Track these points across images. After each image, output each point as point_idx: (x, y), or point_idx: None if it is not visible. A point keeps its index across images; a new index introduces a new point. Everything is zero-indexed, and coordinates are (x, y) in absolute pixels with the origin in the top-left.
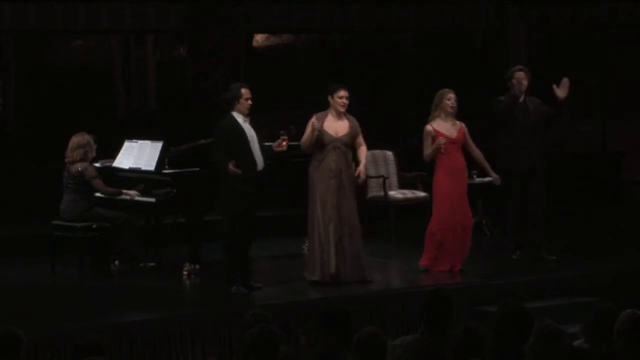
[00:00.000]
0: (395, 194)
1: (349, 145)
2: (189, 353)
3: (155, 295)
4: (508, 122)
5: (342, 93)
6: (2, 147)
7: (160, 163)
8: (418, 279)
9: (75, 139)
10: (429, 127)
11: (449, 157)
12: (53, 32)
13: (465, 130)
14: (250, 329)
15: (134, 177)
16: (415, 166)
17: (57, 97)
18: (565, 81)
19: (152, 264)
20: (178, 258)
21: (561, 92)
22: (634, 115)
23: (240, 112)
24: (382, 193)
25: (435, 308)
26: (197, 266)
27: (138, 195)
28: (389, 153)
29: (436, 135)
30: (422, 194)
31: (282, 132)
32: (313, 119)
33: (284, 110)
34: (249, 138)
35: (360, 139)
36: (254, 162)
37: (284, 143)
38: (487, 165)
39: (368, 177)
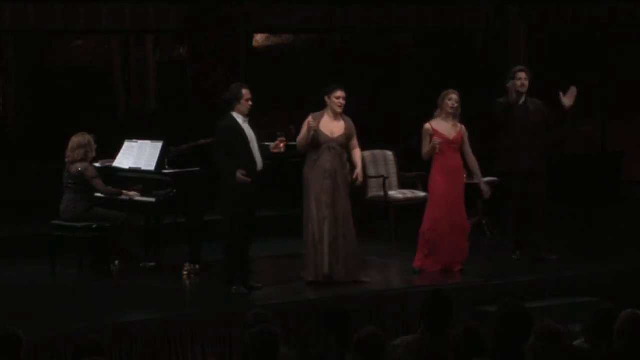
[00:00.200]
0: (395, 194)
1: (344, 146)
2: (189, 353)
3: (155, 295)
4: (508, 122)
5: (339, 93)
6: (2, 147)
7: (160, 163)
8: (418, 279)
9: (76, 139)
10: (427, 126)
11: (445, 157)
12: (53, 32)
13: (465, 133)
14: (250, 329)
15: (134, 177)
16: (415, 166)
17: (57, 97)
18: (573, 90)
19: (152, 264)
20: (178, 258)
21: (567, 100)
22: (634, 115)
23: (240, 112)
24: (382, 193)
25: (435, 308)
26: (197, 266)
27: (137, 196)
28: (389, 153)
29: (434, 134)
30: (422, 194)
31: (279, 133)
32: (309, 119)
33: (284, 110)
34: (249, 138)
35: (355, 141)
36: (254, 162)
37: (282, 145)
38: (479, 174)
39: (368, 177)
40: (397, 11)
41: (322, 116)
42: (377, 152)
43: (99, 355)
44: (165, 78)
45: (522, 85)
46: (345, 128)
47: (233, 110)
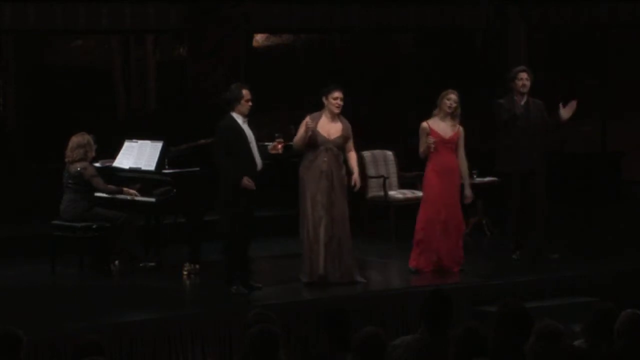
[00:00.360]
0: (395, 194)
1: (341, 147)
2: (189, 353)
3: (155, 295)
4: (509, 123)
5: (337, 94)
6: (2, 147)
7: (160, 163)
8: (418, 279)
9: (75, 139)
10: (424, 124)
11: (440, 156)
12: (53, 32)
13: (462, 135)
14: (251, 329)
15: (134, 177)
16: (415, 166)
17: (57, 97)
18: (573, 104)
19: (152, 264)
20: (178, 258)
21: (566, 113)
22: (634, 115)
23: (240, 113)
24: (382, 193)
25: (435, 308)
26: (197, 266)
27: (137, 195)
28: (389, 153)
29: (430, 132)
30: (422, 194)
31: (277, 135)
32: (307, 119)
33: (284, 110)
34: (249, 139)
35: (351, 144)
36: (254, 162)
37: (280, 146)
38: (467, 178)
39: (368, 177)
40: (397, 11)
41: (319, 117)
42: (377, 152)
43: (99, 355)
44: (165, 78)
45: (523, 85)
46: (343, 130)
47: (233, 110)
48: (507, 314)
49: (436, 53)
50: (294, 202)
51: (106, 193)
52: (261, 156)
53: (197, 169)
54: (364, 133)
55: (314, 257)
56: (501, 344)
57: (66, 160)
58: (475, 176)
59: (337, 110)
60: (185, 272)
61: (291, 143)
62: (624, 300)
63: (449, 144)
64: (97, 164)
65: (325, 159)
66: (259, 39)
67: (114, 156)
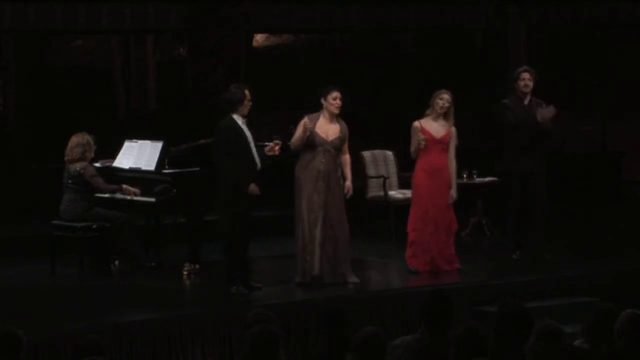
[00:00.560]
0: (395, 194)
1: (338, 149)
2: (189, 353)
3: (155, 295)
4: (511, 122)
5: (336, 94)
6: (2, 147)
7: (160, 163)
8: (418, 279)
9: (75, 139)
10: (416, 123)
11: (430, 155)
12: (53, 32)
13: (454, 136)
14: (251, 329)
15: (134, 177)
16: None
17: (57, 97)
18: (551, 108)
19: (152, 264)
20: (178, 258)
21: (540, 115)
22: (634, 115)
23: (242, 114)
24: (382, 193)
25: (435, 308)
26: (197, 266)
27: (137, 193)
28: (389, 153)
29: (422, 132)
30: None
31: (275, 136)
32: (305, 119)
33: (284, 110)
34: (249, 139)
35: (346, 147)
36: (254, 162)
37: (277, 147)
38: (454, 178)
39: (368, 177)
40: (397, 11)
41: (317, 118)
42: (377, 152)
43: (99, 355)
44: (165, 78)
45: (525, 85)
46: (340, 131)
47: (236, 112)
48: (507, 314)
49: (436, 53)
50: (294, 202)
51: (106, 192)
52: (259, 156)
53: (197, 169)
54: (364, 133)
55: (308, 258)
56: (501, 344)
57: (65, 159)
58: (475, 176)
59: (336, 111)
60: (185, 272)
61: (289, 144)
62: (624, 300)
63: (440, 144)
64: (97, 164)
65: (323, 160)
66: (259, 39)
67: (114, 156)
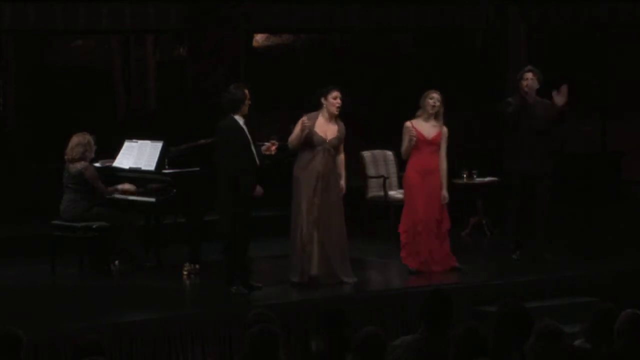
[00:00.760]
0: (395, 194)
1: (336, 148)
2: (189, 353)
3: (155, 295)
4: (514, 117)
5: (336, 94)
6: (2, 147)
7: (160, 163)
8: (418, 279)
9: (75, 138)
10: (407, 123)
11: (421, 155)
12: (53, 32)
13: (445, 136)
14: (251, 329)
15: (134, 177)
16: None
17: (57, 97)
18: (564, 88)
19: (152, 264)
20: (178, 258)
21: (560, 98)
22: (634, 115)
23: (242, 113)
24: (382, 193)
25: (435, 308)
26: (197, 266)
27: (133, 188)
28: (389, 153)
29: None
30: None
31: (272, 136)
32: (304, 118)
33: (284, 110)
34: (249, 138)
35: (342, 146)
36: (254, 162)
37: (273, 147)
38: (445, 179)
39: (368, 177)
40: (397, 11)
41: (316, 117)
42: (377, 152)
43: (99, 355)
44: (165, 78)
45: (528, 85)
46: (338, 131)
47: (237, 112)
48: (507, 314)
49: (436, 53)
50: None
51: (105, 195)
52: (258, 156)
53: (197, 169)
54: (364, 133)
55: (306, 258)
56: (501, 344)
57: (65, 158)
58: (475, 176)
59: (336, 112)
60: (185, 272)
61: (286, 143)
62: (624, 300)
63: (431, 146)
64: (97, 164)
65: (322, 160)
66: (259, 39)
67: (114, 156)
